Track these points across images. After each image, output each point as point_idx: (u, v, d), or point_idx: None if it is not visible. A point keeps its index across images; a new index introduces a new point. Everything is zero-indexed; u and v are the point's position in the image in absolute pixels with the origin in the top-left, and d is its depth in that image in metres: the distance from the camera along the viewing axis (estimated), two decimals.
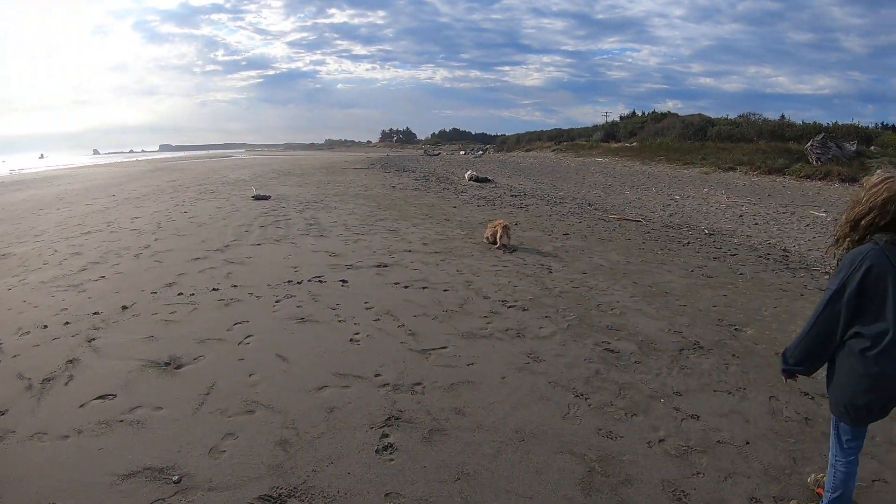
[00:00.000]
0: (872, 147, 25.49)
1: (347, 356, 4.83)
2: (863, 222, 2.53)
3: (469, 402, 4.09)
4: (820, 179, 22.18)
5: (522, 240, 10.08)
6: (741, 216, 14.43)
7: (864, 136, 28.03)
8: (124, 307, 6.03)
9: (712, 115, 43.10)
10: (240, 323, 5.58)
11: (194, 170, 31.99)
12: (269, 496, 3.03)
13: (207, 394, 4.15)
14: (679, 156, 32.36)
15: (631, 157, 36.36)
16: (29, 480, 3.14)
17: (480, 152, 65.05)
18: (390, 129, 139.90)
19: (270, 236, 10.04)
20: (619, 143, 45.47)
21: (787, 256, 9.86)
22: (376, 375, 4.46)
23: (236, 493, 3.05)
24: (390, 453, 3.45)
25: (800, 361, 2.75)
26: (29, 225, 12.25)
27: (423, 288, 6.84)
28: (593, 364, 4.83)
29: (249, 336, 5.25)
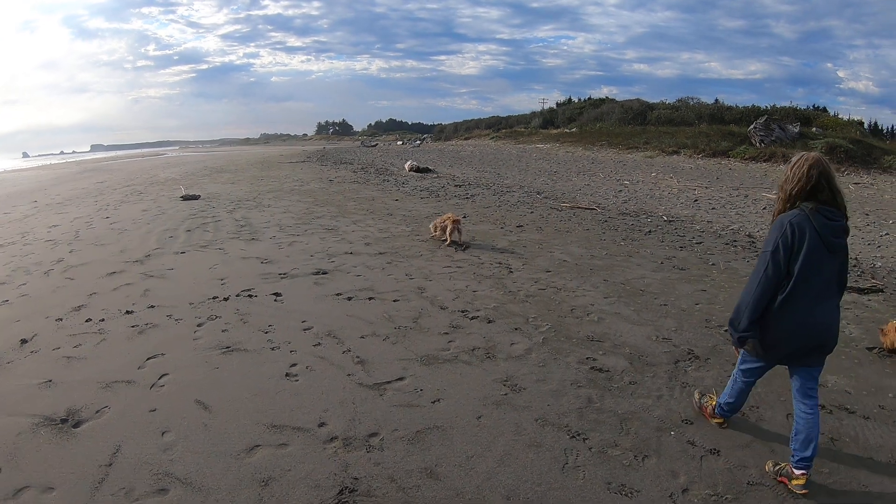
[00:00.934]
0: (814, 129, 26.10)
1: (283, 398, 3.89)
2: (794, 191, 2.97)
3: (441, 457, 3.24)
4: (765, 161, 22.47)
5: (474, 234, 9.29)
6: (696, 201, 14.15)
7: (803, 117, 28.72)
8: (23, 341, 4.95)
9: (648, 100, 43.56)
10: (154, 357, 4.59)
11: (124, 170, 29.65)
12: None
13: (110, 464, 3.17)
14: (621, 140, 32.45)
15: (572, 143, 36.25)
16: None
17: (418, 142, 64.16)
18: (326, 122, 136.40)
19: (196, 242, 8.89)
20: (559, 130, 45.43)
21: (753, 243, 9.47)
22: (321, 425, 3.55)
23: None
24: None
25: (750, 326, 3.05)
26: None
27: (370, 299, 5.93)
28: (583, 389, 4.07)
29: (164, 375, 4.26)
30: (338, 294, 6.10)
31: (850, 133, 25.21)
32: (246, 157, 40.71)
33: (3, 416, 3.70)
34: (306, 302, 5.87)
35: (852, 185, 17.47)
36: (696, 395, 3.84)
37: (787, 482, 3.04)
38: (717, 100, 40.95)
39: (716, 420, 3.62)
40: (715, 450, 3.37)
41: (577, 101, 54.84)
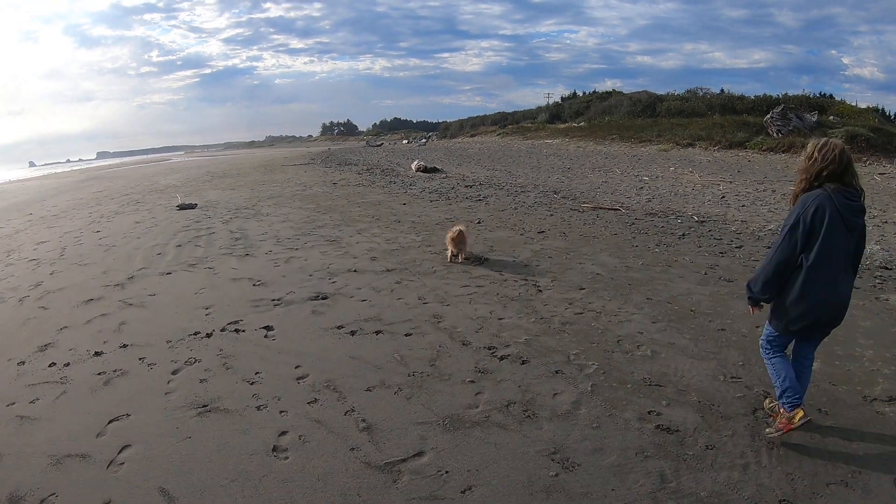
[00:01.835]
0: (831, 117, 24.97)
1: (268, 486, 3.02)
2: (824, 173, 3.10)
3: None
4: (784, 152, 21.42)
5: (492, 244, 8.39)
6: (723, 197, 13.16)
7: (817, 106, 27.56)
8: None
9: (655, 91, 42.47)
10: (117, 419, 3.79)
11: (126, 177, 28.90)
12: None
13: None
14: (632, 133, 31.38)
15: (582, 138, 35.22)
16: None
17: (424, 140, 63.20)
18: (331, 123, 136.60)
19: (186, 259, 8.08)
20: (567, 124, 44.33)
21: None
22: None
23: None
24: None
25: (763, 290, 3.30)
26: None
27: (377, 333, 5.05)
28: (652, 461, 3.18)
29: (126, 447, 3.45)
30: (339, 327, 5.22)
31: (868, 121, 24.12)
32: (250, 160, 40.02)
33: None
34: (302, 338, 5.00)
35: (878, 176, 16.43)
36: (766, 405, 3.75)
37: (787, 421, 3.30)
38: (722, 90, 39.78)
39: (797, 417, 3.29)
40: None
41: (582, 94, 53.76)
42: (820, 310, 3.18)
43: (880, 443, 3.37)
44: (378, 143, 63.73)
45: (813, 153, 3.15)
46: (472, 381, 4.10)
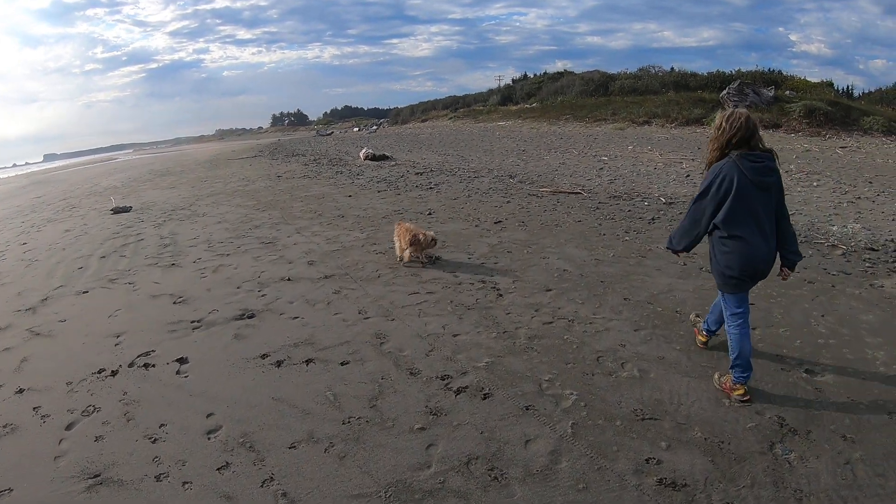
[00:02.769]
0: (787, 92, 24.83)
1: None
2: (733, 140, 3.40)
3: None
4: None
5: (444, 238, 7.55)
6: (688, 176, 12.64)
7: (772, 80, 27.45)
8: None
9: (607, 70, 42.13)
10: None
11: (68, 181, 26.59)
12: None
13: None
14: (586, 112, 30.82)
15: (535, 119, 34.54)
16: None
17: (375, 127, 61.67)
18: (281, 113, 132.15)
19: (107, 274, 7.00)
20: (519, 106, 43.60)
21: None
22: None
23: None
24: None
25: (678, 243, 3.73)
26: None
27: (307, 362, 4.17)
28: None
29: None
30: (264, 356, 4.32)
31: (825, 95, 24.13)
32: (196, 155, 37.95)
33: None
34: (219, 374, 4.09)
35: (840, 150, 16.25)
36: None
37: (730, 392, 3.56)
38: (672, 68, 39.54)
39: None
40: None
41: (533, 76, 53.16)
42: (744, 265, 3.45)
43: None
44: (328, 132, 61.93)
45: (721, 123, 3.48)
46: (423, 428, 3.28)
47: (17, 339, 5.08)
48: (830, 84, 27.81)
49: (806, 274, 5.83)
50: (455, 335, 4.51)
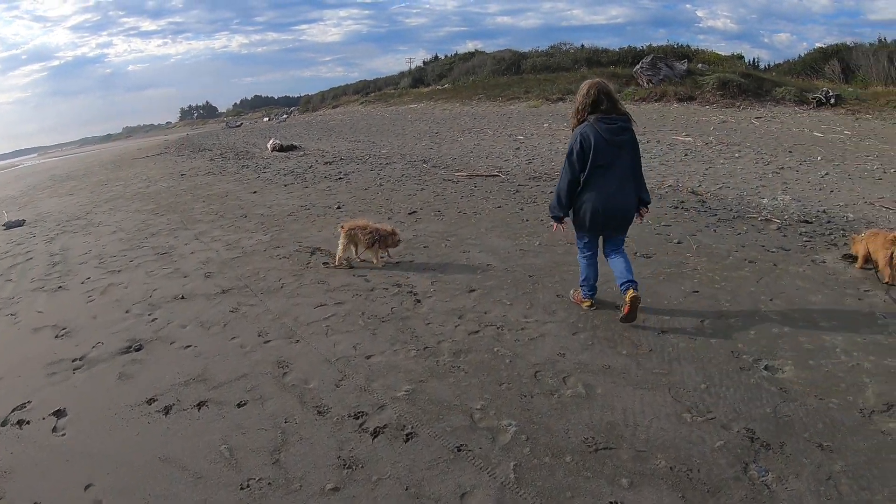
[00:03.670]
0: (700, 65, 25.40)
1: None
2: (582, 108, 4.02)
3: None
4: (656, 101, 21.38)
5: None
6: None
7: (684, 55, 28.08)
8: None
9: (519, 49, 42.23)
10: None
11: None
12: None
13: None
14: (499, 91, 30.66)
15: (447, 100, 34.06)
16: None
17: (285, 116, 59.32)
18: (189, 107, 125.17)
19: None
20: (431, 87, 43.07)
21: (704, 202, 7.85)
22: None
23: None
24: None
25: (560, 208, 4.15)
26: None
27: (199, 406, 3.40)
28: None
29: None
30: (150, 400, 3.51)
31: (736, 67, 24.87)
32: (101, 156, 34.97)
33: None
34: (100, 428, 3.29)
35: (755, 121, 16.69)
36: (571, 291, 4.68)
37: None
38: (582, 45, 40.08)
39: (585, 304, 4.44)
40: None
41: (444, 57, 52.77)
42: (606, 213, 4.02)
43: None
44: (237, 124, 59.05)
45: (578, 94, 4.11)
46: (336, 489, 2.60)
47: None
48: (741, 57, 28.81)
49: (745, 252, 5.58)
50: (368, 357, 3.85)
